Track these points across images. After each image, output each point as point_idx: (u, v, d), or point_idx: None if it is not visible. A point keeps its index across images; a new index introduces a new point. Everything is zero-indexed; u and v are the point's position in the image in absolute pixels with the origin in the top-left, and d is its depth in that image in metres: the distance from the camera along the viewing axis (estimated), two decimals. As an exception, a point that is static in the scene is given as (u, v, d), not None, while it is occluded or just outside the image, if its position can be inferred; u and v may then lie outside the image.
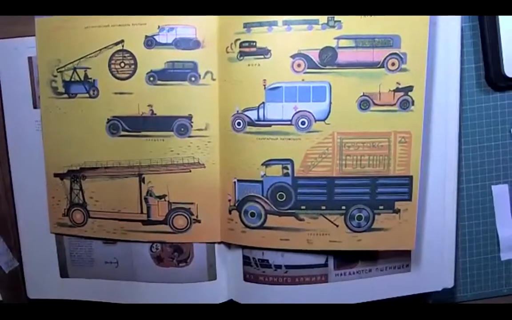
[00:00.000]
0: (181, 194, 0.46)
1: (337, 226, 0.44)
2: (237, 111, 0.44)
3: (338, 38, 0.42)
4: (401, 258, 0.47)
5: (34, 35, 0.45)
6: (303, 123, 0.43)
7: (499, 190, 0.50)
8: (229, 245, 0.47)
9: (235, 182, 0.45)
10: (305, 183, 0.44)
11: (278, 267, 0.46)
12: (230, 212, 0.45)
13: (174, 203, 0.46)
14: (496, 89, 0.48)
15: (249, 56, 0.43)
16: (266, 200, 0.44)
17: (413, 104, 0.42)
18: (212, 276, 0.48)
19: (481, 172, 0.49)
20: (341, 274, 0.47)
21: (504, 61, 0.46)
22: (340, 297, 0.47)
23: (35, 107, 0.47)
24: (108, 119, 0.45)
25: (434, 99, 0.45)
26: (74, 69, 0.45)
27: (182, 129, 0.45)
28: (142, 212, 0.47)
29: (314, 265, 0.46)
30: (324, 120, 0.43)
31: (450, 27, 0.44)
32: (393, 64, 0.42)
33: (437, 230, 0.46)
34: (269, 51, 0.42)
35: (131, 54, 0.44)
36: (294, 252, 0.46)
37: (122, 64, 0.45)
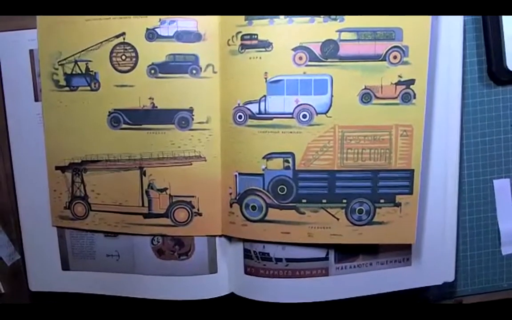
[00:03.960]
0: (182, 187, 0.46)
1: (338, 219, 0.44)
2: (239, 104, 0.44)
3: (340, 31, 0.42)
4: (402, 252, 0.47)
5: (35, 28, 0.45)
6: (304, 116, 0.43)
7: (500, 184, 0.50)
8: (230, 238, 0.48)
9: (236, 175, 0.45)
10: (306, 177, 0.44)
11: (279, 260, 0.46)
12: (231, 205, 0.45)
13: (175, 196, 0.46)
14: (498, 83, 0.48)
15: (251, 49, 0.42)
16: (267, 193, 0.44)
17: (414, 98, 0.42)
18: (213, 269, 0.48)
19: (483, 166, 0.49)
20: (342, 268, 0.47)
21: (507, 55, 0.46)
22: (340, 291, 0.47)
23: (36, 100, 0.47)
24: (109, 112, 0.45)
25: (436, 92, 0.45)
26: (75, 62, 0.45)
27: (183, 122, 0.45)
28: (143, 205, 0.47)
29: (315, 259, 0.46)
30: (325, 113, 0.43)
31: (452, 21, 0.44)
32: (395, 57, 0.42)
33: (438, 224, 0.46)
34: (270, 44, 0.42)
35: (132, 47, 0.44)
36: (295, 246, 0.46)
37: (123, 57, 0.45)
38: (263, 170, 0.44)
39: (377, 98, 0.42)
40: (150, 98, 0.45)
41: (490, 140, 0.49)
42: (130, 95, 0.45)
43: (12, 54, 0.47)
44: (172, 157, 0.46)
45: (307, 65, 0.42)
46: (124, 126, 0.46)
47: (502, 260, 0.51)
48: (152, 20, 0.44)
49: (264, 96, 0.43)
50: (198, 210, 0.46)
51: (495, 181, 0.50)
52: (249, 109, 0.43)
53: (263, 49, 0.42)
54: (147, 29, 0.44)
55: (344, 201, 0.44)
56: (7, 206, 0.49)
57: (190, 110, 0.45)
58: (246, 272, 0.47)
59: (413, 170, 0.43)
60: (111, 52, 0.45)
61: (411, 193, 0.44)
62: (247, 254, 0.47)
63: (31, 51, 0.47)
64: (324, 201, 0.44)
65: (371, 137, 0.43)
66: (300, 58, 0.42)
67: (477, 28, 0.48)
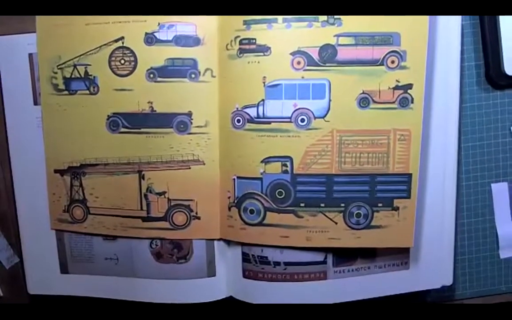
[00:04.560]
0: (181, 190, 0.46)
1: (336, 223, 0.44)
2: (237, 108, 0.44)
3: (338, 36, 0.42)
4: (400, 256, 0.47)
5: (34, 32, 0.46)
6: (302, 120, 0.43)
7: (498, 188, 0.50)
8: (228, 242, 0.48)
9: (234, 179, 0.45)
10: (304, 180, 0.44)
11: (277, 264, 0.46)
12: (229, 209, 0.45)
13: (173, 199, 0.46)
14: (496, 87, 0.48)
15: (249, 53, 0.43)
16: (265, 197, 0.45)
17: (412, 102, 0.42)
18: (211, 272, 0.48)
19: (481, 170, 0.49)
20: (340, 271, 0.47)
21: (505, 59, 0.46)
22: (339, 294, 0.47)
23: (35, 103, 0.47)
24: (108, 115, 0.46)
25: (434, 96, 0.45)
26: (75, 66, 0.45)
27: (182, 126, 0.45)
28: (141, 209, 0.47)
29: (313, 262, 0.46)
30: (323, 117, 0.43)
31: (450, 25, 0.44)
32: (392, 61, 0.42)
33: (436, 228, 0.47)
34: (268, 48, 0.42)
35: (131, 51, 0.45)
36: (293, 249, 0.46)
37: (122, 61, 0.45)
38: (261, 174, 0.44)
39: (375, 102, 0.43)
40: (149, 102, 0.45)
41: (488, 144, 0.49)
42: (129, 99, 0.45)
43: (11, 58, 0.47)
44: (170, 161, 0.46)
45: (305, 70, 0.42)
46: (123, 130, 0.46)
47: (500, 264, 0.51)
48: (151, 24, 0.44)
49: (262, 100, 0.43)
50: (196, 213, 0.46)
51: (493, 185, 0.50)
52: (247, 113, 0.44)
53: (262, 54, 0.42)
54: (146, 33, 0.44)
55: (342, 205, 0.44)
56: (6, 209, 0.49)
57: (189, 114, 0.45)
58: (244, 276, 0.47)
59: (411, 174, 0.43)
60: (110, 56, 0.45)
61: (409, 197, 0.44)
62: (245, 257, 0.47)
63: (30, 55, 0.47)
64: (322, 205, 0.44)
65: (369, 141, 0.43)
66: (298, 63, 0.42)
67: (475, 32, 0.48)
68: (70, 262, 0.49)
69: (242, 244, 0.47)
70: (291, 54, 0.42)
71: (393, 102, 0.43)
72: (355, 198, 0.44)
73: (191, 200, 0.46)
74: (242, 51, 0.43)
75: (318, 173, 0.44)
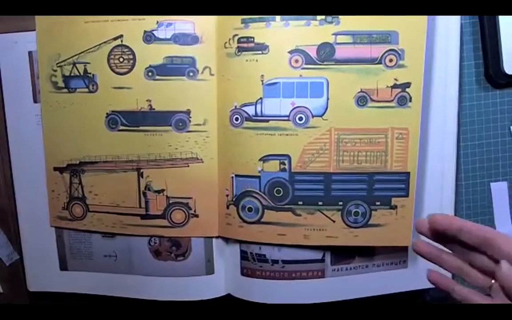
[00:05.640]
0: (179, 188, 0.46)
1: (334, 221, 0.44)
2: (235, 107, 0.44)
3: (336, 34, 0.42)
4: (398, 254, 0.47)
5: (34, 30, 0.46)
6: (300, 118, 0.43)
7: (497, 187, 0.49)
8: (226, 240, 0.48)
9: (232, 177, 0.45)
10: (302, 179, 0.44)
11: (275, 262, 0.46)
12: (227, 207, 0.46)
13: (172, 197, 0.46)
14: (495, 86, 0.48)
15: (247, 51, 0.43)
16: (263, 195, 0.45)
17: (410, 101, 0.42)
18: (209, 270, 0.48)
19: (480, 169, 0.49)
20: (338, 270, 0.47)
21: (504, 58, 0.46)
22: (336, 293, 0.47)
23: (35, 101, 0.48)
24: (107, 113, 0.46)
25: (433, 95, 0.45)
26: (74, 64, 0.46)
27: (181, 124, 0.45)
28: (140, 206, 0.47)
29: (311, 260, 0.46)
30: (321, 116, 0.43)
31: (450, 24, 0.44)
32: (390, 60, 0.42)
33: (435, 227, 0.47)
34: (267, 46, 0.42)
35: (130, 49, 0.45)
36: (291, 247, 0.46)
37: (121, 59, 0.45)
38: (260, 172, 0.44)
39: (373, 101, 0.43)
40: (147, 100, 0.45)
41: (487, 143, 0.49)
42: (127, 97, 0.45)
43: (11, 56, 0.47)
44: (169, 158, 0.46)
45: (303, 68, 0.42)
46: (121, 127, 0.46)
47: (499, 263, 0.50)
48: (149, 23, 0.44)
49: (261, 98, 0.43)
50: (194, 211, 0.46)
51: (492, 184, 0.49)
52: (245, 112, 0.44)
53: (260, 52, 0.43)
54: (145, 32, 0.44)
55: (340, 203, 0.44)
56: (6, 206, 0.50)
57: (187, 112, 0.45)
58: (242, 274, 0.47)
59: (409, 173, 0.43)
60: (109, 54, 0.45)
61: (407, 195, 0.44)
62: (243, 255, 0.47)
63: (30, 53, 0.47)
64: (320, 203, 0.44)
65: (367, 139, 0.43)
66: (296, 61, 0.42)
67: (475, 31, 0.48)
68: (70, 259, 0.50)
69: (240, 242, 0.47)
70: (289, 52, 0.42)
71: (391, 101, 0.43)
72: (353, 196, 0.44)
73: (190, 198, 0.46)
74: (240, 49, 0.43)
75: (316, 172, 0.44)
